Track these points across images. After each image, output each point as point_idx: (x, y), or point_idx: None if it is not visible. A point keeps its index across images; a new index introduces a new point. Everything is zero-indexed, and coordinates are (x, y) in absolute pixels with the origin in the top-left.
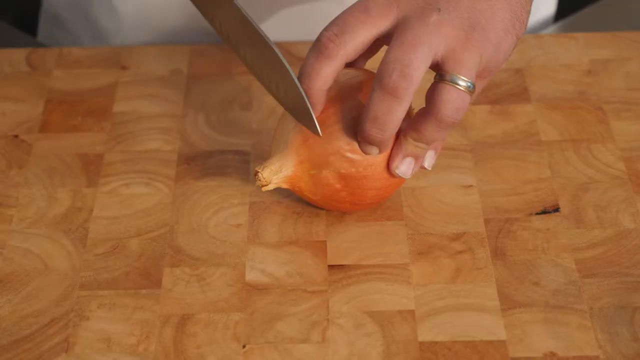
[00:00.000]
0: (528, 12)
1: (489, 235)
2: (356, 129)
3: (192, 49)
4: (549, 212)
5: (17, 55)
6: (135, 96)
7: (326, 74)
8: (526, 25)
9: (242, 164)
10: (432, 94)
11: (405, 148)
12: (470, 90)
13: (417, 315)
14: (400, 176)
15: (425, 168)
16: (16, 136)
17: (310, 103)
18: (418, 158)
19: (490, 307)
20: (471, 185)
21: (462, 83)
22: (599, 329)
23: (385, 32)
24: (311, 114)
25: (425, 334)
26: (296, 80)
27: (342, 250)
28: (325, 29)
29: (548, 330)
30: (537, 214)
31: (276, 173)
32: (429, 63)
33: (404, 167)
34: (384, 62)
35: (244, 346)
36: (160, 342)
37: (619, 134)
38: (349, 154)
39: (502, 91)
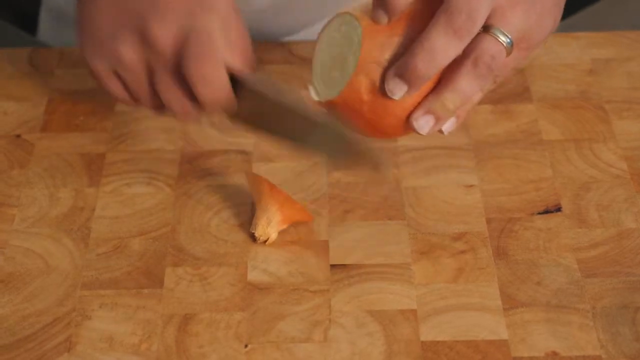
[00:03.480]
0: (564, 3)
1: (490, 234)
2: (407, 46)
3: None
4: (551, 212)
5: (19, 55)
6: None
7: None
8: (562, 12)
9: (244, 164)
10: (471, 44)
11: (431, 104)
12: (509, 47)
13: (419, 314)
14: (415, 130)
15: (442, 132)
16: (18, 136)
17: (390, 15)
18: (439, 119)
19: (492, 307)
20: (473, 185)
21: (503, 37)
22: (601, 328)
23: None
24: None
25: (427, 333)
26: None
27: (344, 250)
28: None
29: (550, 329)
30: (539, 213)
31: (268, 225)
32: (488, 13)
33: (423, 121)
34: (453, 0)
35: (246, 346)
36: (163, 341)
37: (620, 133)
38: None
39: (504, 91)
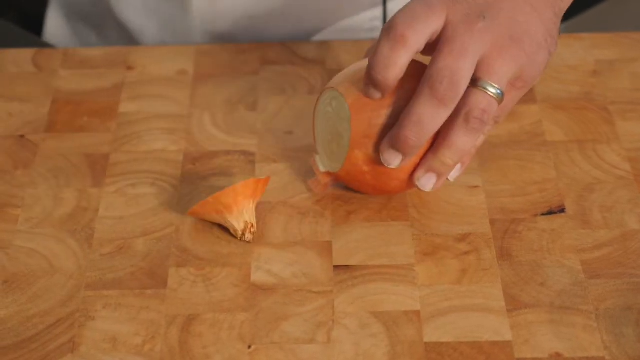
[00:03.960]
0: (558, 29)
1: (494, 236)
2: (396, 117)
3: (198, 49)
4: (555, 213)
5: (23, 56)
6: (141, 96)
7: (402, 64)
8: (557, 41)
9: (247, 164)
10: (461, 100)
11: (430, 163)
12: (499, 97)
13: (423, 316)
14: (419, 188)
15: (448, 179)
16: (22, 136)
17: (382, 93)
18: (441, 175)
19: (495, 308)
20: (477, 186)
21: (491, 89)
22: (605, 330)
23: (435, 32)
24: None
25: (431, 334)
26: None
27: (348, 251)
28: (397, 18)
29: (554, 331)
30: (543, 214)
31: (249, 225)
32: (473, 70)
33: (425, 180)
34: (434, 69)
35: (249, 346)
36: (166, 342)
37: (624, 135)
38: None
39: None
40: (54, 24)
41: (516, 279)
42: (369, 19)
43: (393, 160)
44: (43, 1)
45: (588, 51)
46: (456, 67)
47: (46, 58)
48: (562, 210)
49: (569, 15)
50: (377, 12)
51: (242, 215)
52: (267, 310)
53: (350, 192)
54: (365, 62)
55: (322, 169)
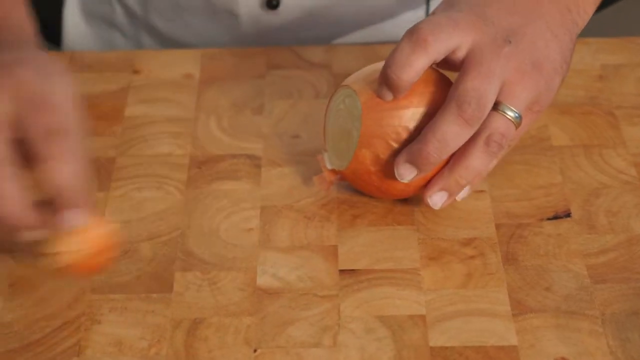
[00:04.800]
0: (572, 54)
1: (500, 240)
2: (408, 123)
3: (204, 53)
4: (561, 218)
5: None
6: (147, 100)
7: (418, 68)
8: (569, 66)
9: (253, 168)
10: (482, 123)
11: (445, 181)
12: (518, 122)
13: (428, 320)
14: (430, 205)
15: (455, 200)
16: None
17: (395, 93)
18: (452, 194)
19: (501, 313)
20: (483, 191)
21: (510, 113)
22: (611, 334)
23: (457, 48)
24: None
25: (437, 339)
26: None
27: (353, 255)
28: (422, 24)
29: (559, 335)
30: (549, 219)
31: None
32: (497, 94)
33: (437, 198)
34: (462, 89)
35: (255, 350)
36: (172, 346)
37: (630, 139)
38: (393, 143)
39: None
40: (74, 28)
41: (522, 283)
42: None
43: (408, 175)
44: (51, 4)
45: (594, 56)
46: (484, 90)
47: None
48: (568, 215)
49: None
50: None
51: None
52: (273, 314)
53: (356, 196)
54: (382, 64)
55: (329, 166)
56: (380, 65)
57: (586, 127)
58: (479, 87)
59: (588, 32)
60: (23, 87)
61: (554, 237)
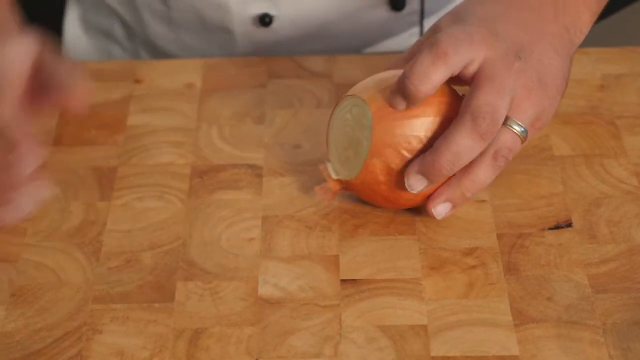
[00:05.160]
0: (570, 73)
1: (501, 250)
2: (419, 133)
3: (205, 62)
4: (562, 227)
5: None
6: (148, 109)
7: (437, 81)
8: (568, 84)
9: (254, 178)
10: None
11: (451, 193)
12: (524, 136)
13: (430, 330)
14: (433, 215)
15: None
16: None
17: (410, 104)
18: (456, 205)
19: (502, 322)
20: (484, 200)
21: (517, 128)
22: (612, 344)
23: (470, 62)
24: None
25: (438, 349)
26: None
27: (355, 265)
28: (441, 36)
29: (561, 345)
30: (550, 229)
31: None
32: (508, 109)
33: (442, 208)
34: (477, 103)
35: None
36: (174, 355)
37: (631, 149)
38: (404, 152)
39: None
40: (74, 40)
41: (523, 293)
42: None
43: (418, 186)
44: (52, 15)
45: (595, 65)
46: (497, 105)
47: None
48: (569, 225)
49: None
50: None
51: None
52: (274, 324)
53: (358, 206)
54: (388, 74)
55: (334, 176)
56: (385, 74)
57: (587, 136)
58: (493, 102)
59: (589, 41)
60: None
61: (556, 247)
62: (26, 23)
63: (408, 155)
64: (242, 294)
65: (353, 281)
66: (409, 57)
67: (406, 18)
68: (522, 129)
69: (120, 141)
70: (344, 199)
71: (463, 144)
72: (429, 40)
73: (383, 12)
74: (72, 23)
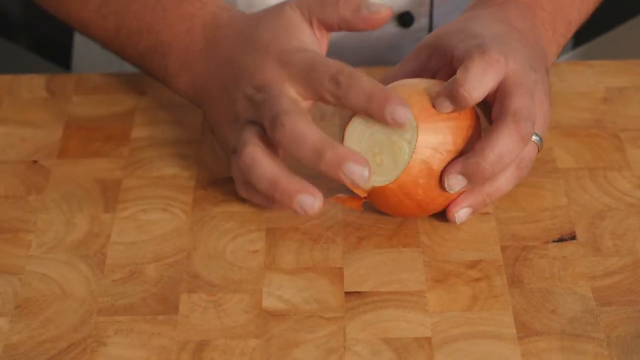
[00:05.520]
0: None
1: (505, 262)
2: (460, 135)
3: None
4: (566, 240)
5: (36, 81)
6: (153, 122)
7: (489, 87)
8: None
9: None
10: None
11: (474, 199)
12: (540, 145)
13: (434, 342)
14: (453, 220)
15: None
16: (35, 161)
17: (458, 109)
18: (476, 211)
19: (506, 335)
20: (488, 213)
21: (536, 138)
22: (616, 357)
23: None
24: None
25: None
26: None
27: (359, 277)
28: (489, 45)
29: (565, 358)
30: (554, 241)
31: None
32: None
33: (463, 214)
34: (515, 106)
35: None
36: None
37: (635, 162)
38: (446, 154)
39: None
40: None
41: (527, 306)
42: None
43: (457, 186)
44: (59, 26)
45: (598, 78)
46: (532, 108)
47: (59, 83)
48: (573, 237)
49: (579, 42)
50: None
51: None
52: (279, 336)
53: (361, 218)
54: (409, 81)
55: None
56: (407, 82)
57: (591, 149)
58: (529, 106)
59: (592, 54)
60: None
61: (560, 260)
62: (37, 36)
63: (448, 157)
64: (246, 306)
65: (357, 293)
66: (409, 68)
67: (414, 35)
68: (539, 138)
69: (125, 153)
70: (347, 211)
71: (506, 146)
72: (479, 48)
73: (391, 28)
74: (85, 39)
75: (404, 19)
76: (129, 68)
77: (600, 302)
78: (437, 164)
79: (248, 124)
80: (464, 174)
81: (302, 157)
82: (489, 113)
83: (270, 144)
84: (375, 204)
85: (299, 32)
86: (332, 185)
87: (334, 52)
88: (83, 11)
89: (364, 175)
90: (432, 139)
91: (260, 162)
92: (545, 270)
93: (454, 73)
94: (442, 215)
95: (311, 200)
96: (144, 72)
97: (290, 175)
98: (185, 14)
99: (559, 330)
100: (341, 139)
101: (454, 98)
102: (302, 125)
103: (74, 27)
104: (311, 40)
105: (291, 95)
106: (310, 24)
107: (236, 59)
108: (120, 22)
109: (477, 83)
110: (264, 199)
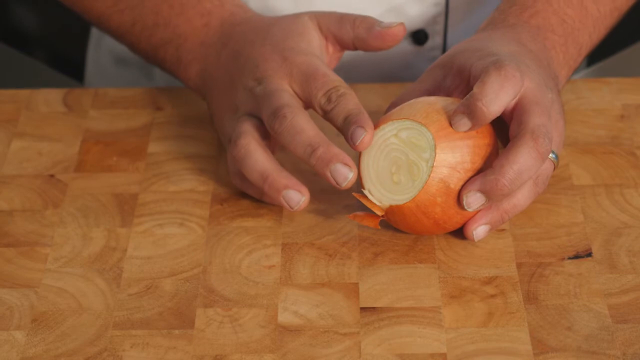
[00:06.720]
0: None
1: (521, 279)
2: (478, 154)
3: None
4: (582, 257)
5: (53, 95)
6: (169, 137)
7: (506, 102)
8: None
9: (274, 205)
10: None
11: (492, 216)
12: (556, 163)
13: (449, 358)
14: (471, 237)
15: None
16: (52, 176)
17: (476, 125)
18: (493, 228)
19: (522, 352)
20: (504, 229)
21: (552, 155)
22: None
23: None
24: None
25: None
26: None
27: (374, 293)
28: (506, 61)
29: None
30: (570, 258)
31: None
32: None
33: (482, 231)
34: (533, 124)
35: None
36: None
37: None
38: (464, 172)
39: None
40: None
41: (543, 322)
42: None
43: (476, 204)
44: (73, 41)
45: (615, 95)
46: (550, 127)
47: (77, 98)
48: (589, 254)
49: (595, 59)
50: None
51: None
52: (294, 351)
53: (377, 234)
54: (425, 99)
55: (378, 203)
56: (425, 99)
57: (607, 166)
58: (547, 124)
59: (609, 72)
60: None
61: (575, 277)
62: (50, 51)
63: (466, 176)
64: (262, 321)
65: (373, 309)
66: (424, 87)
67: (428, 52)
68: (555, 156)
69: (142, 168)
70: (363, 227)
71: (525, 163)
72: (495, 64)
73: (405, 46)
74: (100, 54)
75: (419, 36)
76: (142, 83)
77: (616, 319)
78: (455, 183)
79: (246, 116)
80: (483, 191)
81: (296, 149)
82: (502, 135)
83: (265, 137)
84: (393, 222)
85: (311, 38)
86: (349, 202)
87: (349, 68)
88: (99, 5)
89: (348, 177)
90: (450, 157)
91: (253, 154)
92: (561, 287)
93: (470, 91)
94: (457, 232)
95: (298, 197)
96: (154, 64)
97: (280, 169)
98: (204, 10)
99: (575, 347)
100: (358, 159)
101: (472, 113)
102: (302, 120)
103: (89, 20)
104: (321, 51)
105: (291, 92)
106: (326, 39)
107: (245, 50)
108: (137, 16)
109: (495, 97)
110: (256, 191)
